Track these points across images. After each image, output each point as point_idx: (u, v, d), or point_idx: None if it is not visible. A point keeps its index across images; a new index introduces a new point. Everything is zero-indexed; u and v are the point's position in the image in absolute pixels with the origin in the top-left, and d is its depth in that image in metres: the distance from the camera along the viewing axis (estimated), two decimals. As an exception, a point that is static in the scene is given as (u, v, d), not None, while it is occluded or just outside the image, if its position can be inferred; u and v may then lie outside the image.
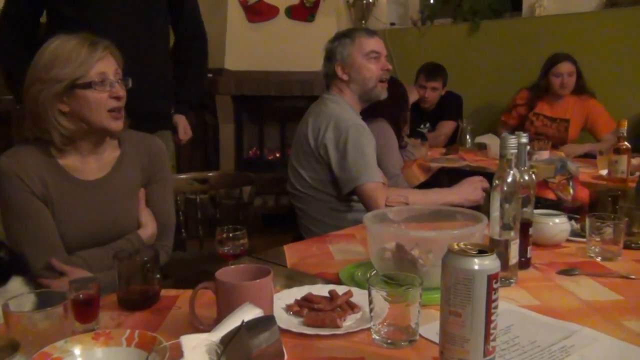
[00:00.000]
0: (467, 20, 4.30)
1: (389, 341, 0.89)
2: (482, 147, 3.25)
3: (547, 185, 1.88)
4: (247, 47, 4.20)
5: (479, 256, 0.73)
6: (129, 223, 1.45)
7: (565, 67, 3.28)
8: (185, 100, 2.46)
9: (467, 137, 3.41)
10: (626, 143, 2.22)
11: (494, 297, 0.73)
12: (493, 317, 0.74)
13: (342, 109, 1.98)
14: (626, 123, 2.27)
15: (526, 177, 1.24)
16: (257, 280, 0.89)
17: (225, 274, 0.92)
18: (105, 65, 1.32)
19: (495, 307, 0.74)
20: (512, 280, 1.17)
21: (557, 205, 1.67)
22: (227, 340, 0.71)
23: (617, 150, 2.21)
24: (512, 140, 1.14)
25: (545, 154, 2.61)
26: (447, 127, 3.68)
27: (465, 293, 0.73)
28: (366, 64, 1.98)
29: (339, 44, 2.01)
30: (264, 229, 4.27)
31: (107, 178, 1.43)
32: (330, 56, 2.04)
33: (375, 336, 0.90)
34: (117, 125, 1.36)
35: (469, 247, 0.76)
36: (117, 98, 1.34)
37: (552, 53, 3.64)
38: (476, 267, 0.72)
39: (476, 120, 3.73)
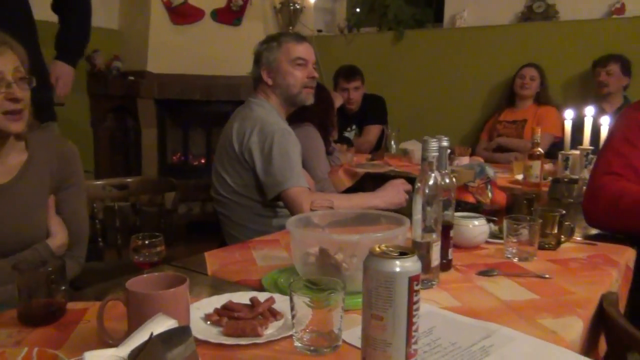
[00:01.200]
0: (391, 29, 4.40)
1: (311, 348, 0.87)
2: (406, 152, 3.31)
3: (467, 189, 1.93)
4: (171, 50, 4.08)
5: (400, 258, 0.72)
6: (37, 232, 1.35)
7: (529, 71, 3.60)
8: (68, 47, 2.43)
9: (392, 143, 3.47)
10: (540, 149, 2.33)
11: (415, 299, 0.72)
12: (414, 320, 0.73)
13: (267, 113, 1.94)
14: (540, 130, 2.39)
15: (447, 180, 1.25)
16: (171, 290, 0.84)
17: (136, 283, 0.86)
18: (1, 62, 1.22)
19: (417, 310, 0.73)
20: (434, 282, 1.17)
21: (476, 209, 1.72)
22: (135, 355, 0.66)
23: (531, 156, 2.31)
24: (433, 144, 1.15)
25: (465, 160, 2.70)
26: (372, 133, 3.73)
27: (386, 296, 0.72)
28: (291, 71, 1.95)
29: (267, 47, 1.98)
30: (189, 237, 4.16)
31: (11, 184, 1.32)
32: (257, 60, 2.01)
33: (297, 343, 0.88)
34: (16, 127, 1.26)
35: (390, 249, 0.74)
36: (14, 100, 1.23)
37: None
38: (397, 269, 0.71)
39: (401, 127, 3.81)
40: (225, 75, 4.06)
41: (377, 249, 0.75)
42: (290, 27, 4.65)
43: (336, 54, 4.60)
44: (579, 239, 1.54)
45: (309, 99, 2.02)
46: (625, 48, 3.41)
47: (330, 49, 4.66)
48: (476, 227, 1.45)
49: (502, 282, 1.20)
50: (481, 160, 2.75)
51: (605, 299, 1.10)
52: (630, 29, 3.44)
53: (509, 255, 1.37)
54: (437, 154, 1.16)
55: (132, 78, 3.99)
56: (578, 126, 2.48)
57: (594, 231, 1.64)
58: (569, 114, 2.41)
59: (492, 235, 1.52)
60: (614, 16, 3.58)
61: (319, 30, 4.77)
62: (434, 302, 1.09)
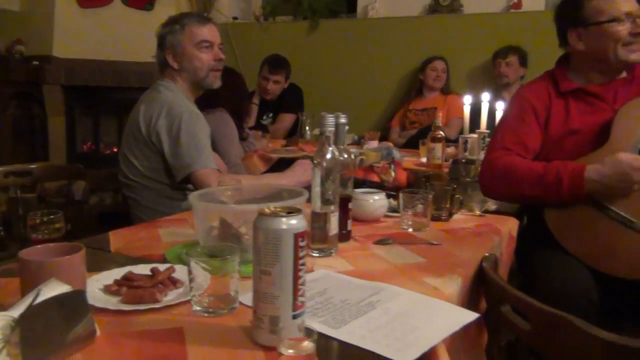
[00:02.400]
0: (306, 18, 4.46)
1: (210, 310, 0.90)
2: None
3: (373, 170, 2.03)
4: (79, 34, 3.92)
5: (286, 216, 0.77)
6: None
7: (440, 64, 3.84)
8: None
9: (307, 129, 3.54)
10: (441, 132, 2.47)
11: (300, 254, 0.78)
12: (301, 274, 0.78)
13: (175, 96, 1.94)
14: (441, 115, 2.53)
15: (345, 156, 1.33)
16: (65, 257, 0.85)
17: (30, 253, 0.86)
18: None
19: (303, 265, 0.79)
20: (332, 251, 1.24)
21: (380, 187, 1.81)
22: (24, 314, 0.67)
23: (433, 139, 2.45)
24: (330, 119, 1.22)
25: (374, 143, 2.81)
26: (286, 120, 3.79)
27: (274, 252, 0.77)
28: (197, 54, 1.95)
29: (170, 30, 1.96)
30: (101, 228, 4.02)
31: None
32: (161, 43, 1.99)
33: (195, 307, 0.91)
34: None
35: (278, 209, 0.79)
36: None
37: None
38: (283, 227, 0.77)
39: (316, 113, 3.89)
40: (137, 61, 3.95)
41: (267, 210, 0.79)
42: (205, 14, 4.60)
43: (252, 41, 4.61)
44: (475, 212, 1.67)
45: (216, 82, 2.02)
46: (523, 40, 3.66)
47: (246, 36, 4.66)
48: (376, 201, 1.54)
49: (395, 249, 1.29)
50: (390, 144, 2.88)
51: (484, 260, 1.21)
52: (526, 23, 3.69)
53: (404, 227, 1.47)
54: (333, 129, 1.23)
55: (36, 63, 3.80)
56: (477, 112, 2.65)
57: (493, 207, 1.78)
58: (467, 100, 2.57)
59: (392, 209, 1.62)
60: (512, 10, 3.83)
61: (235, 18, 4.75)
62: (330, 267, 1.15)
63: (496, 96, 3.21)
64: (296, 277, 0.78)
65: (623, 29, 1.65)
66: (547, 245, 1.61)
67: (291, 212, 0.79)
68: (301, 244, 0.78)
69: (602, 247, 1.55)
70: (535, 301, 0.98)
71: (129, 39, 3.99)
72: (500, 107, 2.56)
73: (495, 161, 1.69)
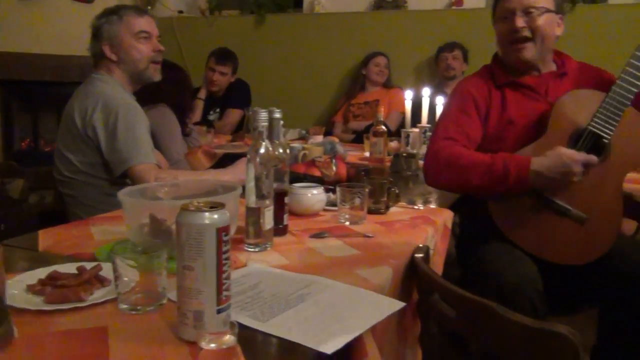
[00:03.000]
0: (253, 12, 4.43)
1: (137, 308, 0.90)
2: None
3: (315, 164, 2.05)
4: (17, 27, 3.77)
5: (208, 211, 0.77)
6: None
7: (382, 60, 3.92)
8: None
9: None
10: (383, 127, 2.51)
11: (224, 249, 0.78)
12: (225, 268, 0.79)
13: (111, 88, 1.89)
14: (383, 110, 2.57)
15: (280, 150, 1.33)
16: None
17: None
18: None
19: (227, 259, 0.79)
20: (267, 245, 1.25)
21: (320, 181, 1.83)
22: None
23: (375, 134, 2.49)
24: (262, 114, 1.22)
25: (319, 138, 2.83)
26: (233, 115, 3.76)
27: (196, 247, 0.77)
28: (136, 45, 1.91)
29: (106, 21, 1.92)
30: (42, 227, 3.89)
31: None
32: (97, 34, 1.94)
33: (122, 305, 0.90)
34: None
35: (201, 204, 0.79)
36: None
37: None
38: (206, 221, 0.77)
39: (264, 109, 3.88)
40: (78, 55, 3.82)
41: (190, 206, 0.79)
42: (149, 7, 4.51)
43: (198, 36, 4.54)
44: (415, 205, 1.71)
45: (156, 75, 1.99)
46: (463, 37, 3.75)
47: (192, 30, 4.60)
48: (314, 195, 1.55)
49: (330, 242, 1.31)
50: (335, 139, 2.90)
51: (416, 251, 1.24)
52: (467, 20, 3.79)
53: (342, 220, 1.49)
54: (266, 124, 1.23)
55: (-31, 56, 3.63)
56: (418, 106, 2.70)
57: (433, 200, 1.82)
58: (408, 95, 2.62)
59: (332, 203, 1.63)
60: (454, 8, 3.92)
61: (180, 11, 4.67)
62: (264, 262, 1.16)
63: (437, 91, 3.29)
64: (220, 272, 0.78)
65: (504, 27, 1.73)
66: (490, 237, 1.65)
67: (214, 207, 0.79)
68: (224, 238, 0.78)
69: (544, 236, 1.61)
70: (459, 289, 1.01)
71: (69, 32, 3.86)
72: (441, 101, 2.62)
73: (440, 151, 1.71)
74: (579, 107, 1.67)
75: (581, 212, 1.60)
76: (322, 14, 4.26)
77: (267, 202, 1.24)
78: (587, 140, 1.63)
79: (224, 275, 0.79)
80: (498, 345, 0.97)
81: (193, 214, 0.77)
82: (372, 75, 3.90)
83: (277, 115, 1.33)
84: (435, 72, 3.89)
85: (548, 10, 1.73)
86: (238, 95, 3.82)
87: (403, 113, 3.56)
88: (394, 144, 2.80)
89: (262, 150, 1.22)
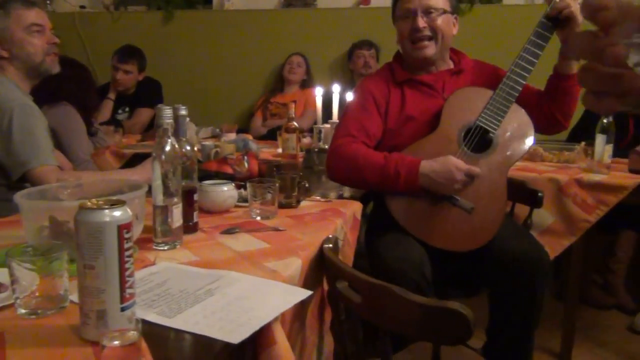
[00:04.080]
0: (160, 8, 4.32)
1: (38, 312, 0.87)
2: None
3: (227, 161, 2.04)
4: None
5: (108, 208, 0.76)
6: None
7: (296, 58, 3.93)
8: None
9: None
10: (294, 123, 2.55)
11: (126, 246, 0.77)
12: (127, 266, 0.78)
13: (4, 88, 1.79)
14: (294, 106, 2.61)
15: (188, 147, 1.33)
16: None
17: None
18: None
19: (129, 256, 0.78)
20: (177, 243, 1.24)
21: (232, 178, 1.83)
22: None
23: (287, 130, 2.52)
24: (167, 111, 1.21)
25: (231, 135, 2.83)
26: (143, 114, 3.66)
27: (97, 245, 0.76)
28: (29, 39, 1.82)
29: None
30: None
31: None
32: None
33: (20, 310, 0.87)
34: None
35: (101, 202, 0.78)
36: None
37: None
38: (106, 219, 0.76)
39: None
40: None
41: (89, 204, 0.78)
42: (48, 2, 4.28)
43: (102, 32, 4.37)
44: (318, 197, 1.75)
45: (54, 66, 1.91)
46: (372, 35, 3.87)
47: (96, 27, 4.41)
48: (225, 192, 1.55)
49: (241, 238, 1.32)
50: (249, 137, 2.90)
51: (325, 241, 1.28)
52: (374, 18, 3.90)
53: (253, 215, 1.51)
54: (171, 121, 1.22)
55: None
56: (330, 102, 2.76)
57: (347, 194, 1.88)
58: (319, 92, 2.67)
59: (244, 200, 1.64)
60: (361, 6, 4.03)
61: (82, 6, 4.46)
62: (173, 259, 1.15)
63: (350, 88, 3.37)
64: (122, 270, 0.77)
65: (406, 26, 1.83)
66: (389, 228, 1.75)
67: (115, 204, 0.78)
68: (126, 235, 0.77)
69: (435, 225, 1.72)
70: (364, 275, 1.06)
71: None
72: (350, 97, 2.69)
73: (340, 148, 1.79)
74: (470, 103, 1.80)
75: (468, 202, 1.72)
76: (232, 10, 4.23)
77: (175, 199, 1.24)
78: (475, 134, 1.76)
79: (127, 273, 0.78)
80: (400, 326, 1.03)
81: (92, 211, 0.76)
82: (286, 74, 3.93)
83: (183, 112, 1.32)
84: (346, 69, 3.98)
85: (445, 11, 1.83)
86: (148, 93, 3.71)
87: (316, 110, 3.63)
88: (307, 140, 2.85)
89: (167, 148, 1.21)
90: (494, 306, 1.72)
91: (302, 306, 1.16)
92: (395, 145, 1.82)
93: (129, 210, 0.78)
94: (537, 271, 1.63)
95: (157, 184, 1.22)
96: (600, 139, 2.29)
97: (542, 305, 1.68)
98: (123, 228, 0.77)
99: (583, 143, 2.48)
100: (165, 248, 1.22)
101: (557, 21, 1.73)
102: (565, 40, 1.75)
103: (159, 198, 1.22)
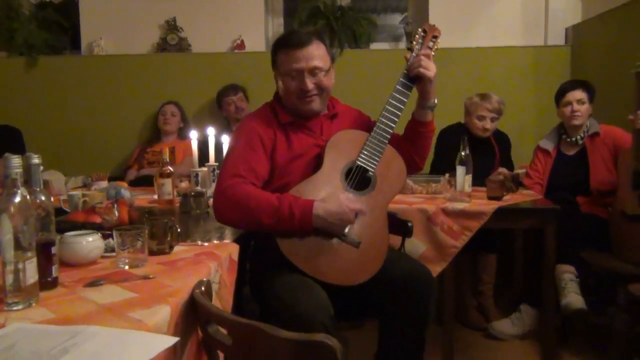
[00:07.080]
0: (23, 54, 4.09)
1: None
2: (46, 184, 3.12)
3: (95, 211, 1.94)
4: None
5: None
6: None
7: (170, 108, 3.89)
8: None
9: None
10: (169, 168, 2.49)
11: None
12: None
13: None
14: (167, 150, 2.56)
15: (42, 198, 1.25)
16: None
17: None
18: None
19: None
20: (31, 301, 1.15)
21: (101, 227, 1.74)
22: None
23: (162, 175, 2.46)
24: (15, 160, 1.14)
25: (103, 183, 2.70)
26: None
27: None
28: None
29: None
30: None
31: None
32: None
33: None
34: None
35: None
36: None
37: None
38: None
39: (43, 157, 3.56)
40: None
41: None
42: None
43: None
44: (198, 242, 1.71)
45: None
46: (245, 79, 3.94)
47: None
48: (89, 243, 1.47)
49: (106, 289, 1.25)
50: (123, 184, 2.79)
51: (196, 286, 1.25)
52: (248, 62, 3.98)
53: (121, 265, 1.43)
54: (20, 170, 1.15)
55: None
56: (206, 146, 2.75)
57: (229, 236, 1.84)
58: (194, 135, 2.65)
59: (111, 249, 1.56)
60: (236, 51, 4.09)
61: None
62: (27, 319, 1.06)
63: (224, 130, 3.37)
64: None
65: (292, 84, 1.90)
66: (278, 268, 1.74)
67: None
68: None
69: (326, 261, 1.75)
70: (232, 316, 1.05)
71: None
72: (226, 140, 2.70)
73: (229, 189, 1.75)
74: (349, 144, 1.89)
75: (355, 238, 1.78)
76: (102, 56, 4.10)
77: (29, 254, 1.15)
78: (356, 174, 1.84)
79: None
80: (272, 364, 1.03)
81: None
82: (161, 125, 3.87)
83: (36, 160, 1.24)
84: (218, 113, 3.99)
85: (328, 69, 1.92)
86: (6, 143, 3.45)
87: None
88: (184, 184, 2.80)
89: (17, 199, 1.13)
90: (385, 330, 1.79)
91: (175, 356, 1.12)
92: (285, 184, 1.84)
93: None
94: (426, 285, 1.75)
95: (7, 238, 1.13)
96: (460, 170, 2.49)
97: (429, 325, 1.78)
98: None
99: (447, 174, 2.67)
100: (19, 308, 1.13)
101: (413, 77, 1.92)
102: (421, 91, 1.94)
103: (10, 254, 1.13)
